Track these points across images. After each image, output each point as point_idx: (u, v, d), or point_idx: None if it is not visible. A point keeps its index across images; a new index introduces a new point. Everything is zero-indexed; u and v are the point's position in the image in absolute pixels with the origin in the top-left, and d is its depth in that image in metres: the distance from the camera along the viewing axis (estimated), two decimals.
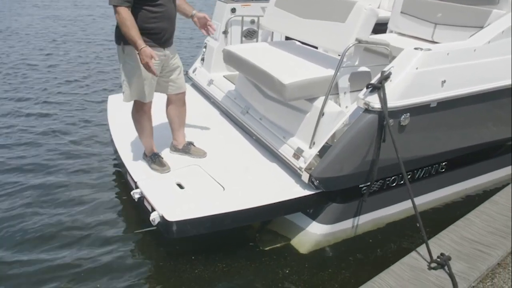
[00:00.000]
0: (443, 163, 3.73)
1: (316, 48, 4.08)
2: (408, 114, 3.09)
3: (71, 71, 7.50)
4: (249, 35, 4.88)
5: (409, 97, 3.07)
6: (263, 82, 3.46)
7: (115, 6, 2.83)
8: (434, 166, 3.69)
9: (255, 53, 3.70)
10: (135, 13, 2.92)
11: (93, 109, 5.95)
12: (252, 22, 4.83)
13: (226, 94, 4.34)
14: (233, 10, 4.70)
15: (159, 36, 3.09)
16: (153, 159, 3.43)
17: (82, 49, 8.88)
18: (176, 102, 3.52)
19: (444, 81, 3.17)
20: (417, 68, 3.04)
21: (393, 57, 3.19)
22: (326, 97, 3.14)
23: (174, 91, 3.46)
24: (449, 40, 3.73)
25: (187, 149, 3.63)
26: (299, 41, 3.97)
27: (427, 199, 3.84)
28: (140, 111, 3.33)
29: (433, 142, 3.43)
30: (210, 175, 3.34)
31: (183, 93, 3.54)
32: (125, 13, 2.85)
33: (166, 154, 3.60)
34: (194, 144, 3.68)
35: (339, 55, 3.20)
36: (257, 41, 4.85)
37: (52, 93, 6.45)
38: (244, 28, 4.78)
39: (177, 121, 3.59)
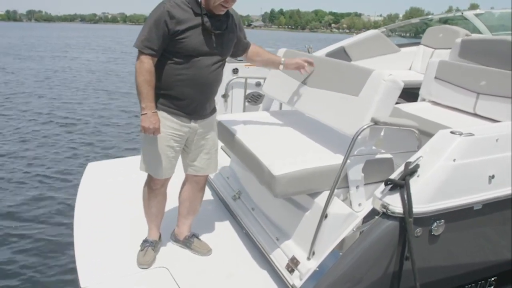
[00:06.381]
0: (492, 279, 2.83)
1: None
2: (443, 220, 2.29)
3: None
4: (254, 99, 4.20)
5: (444, 199, 2.27)
6: (252, 169, 2.74)
7: (139, 51, 2.41)
8: (480, 283, 2.80)
9: (249, 127, 3.01)
10: (159, 69, 2.47)
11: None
12: (258, 84, 4.18)
13: (219, 171, 3.61)
14: (235, 71, 4.07)
15: (183, 104, 2.55)
16: (143, 246, 2.80)
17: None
18: (192, 184, 2.92)
19: (492, 177, 2.36)
20: (454, 160, 2.27)
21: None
22: (331, 195, 2.37)
23: (192, 172, 2.85)
24: (497, 114, 3.01)
25: (189, 242, 2.95)
26: None
27: None
28: (147, 186, 2.77)
29: (478, 253, 2.58)
30: (178, 285, 2.57)
31: (204, 177, 2.92)
32: (148, 63, 2.41)
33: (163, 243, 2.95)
34: (199, 236, 3.00)
35: None
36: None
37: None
38: (248, 91, 4.12)
39: (187, 206, 2.96)
